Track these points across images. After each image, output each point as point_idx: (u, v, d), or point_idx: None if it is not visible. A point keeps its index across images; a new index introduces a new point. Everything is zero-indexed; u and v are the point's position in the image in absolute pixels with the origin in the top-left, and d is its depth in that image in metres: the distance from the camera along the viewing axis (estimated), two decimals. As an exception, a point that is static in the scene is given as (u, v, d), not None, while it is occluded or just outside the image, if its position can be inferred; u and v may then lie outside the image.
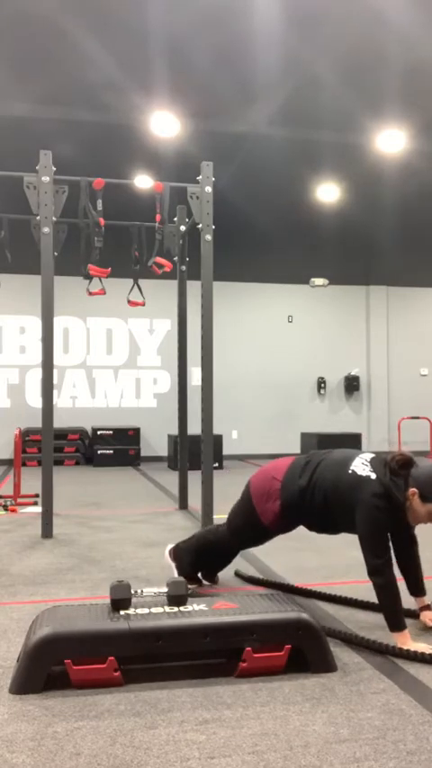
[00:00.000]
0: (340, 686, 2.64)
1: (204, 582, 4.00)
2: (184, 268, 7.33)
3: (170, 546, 4.03)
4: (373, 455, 3.29)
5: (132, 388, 13.16)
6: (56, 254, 6.27)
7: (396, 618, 3.00)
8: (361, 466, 3.21)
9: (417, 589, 3.36)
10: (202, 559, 3.89)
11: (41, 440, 5.72)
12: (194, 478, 6.65)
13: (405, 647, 2.92)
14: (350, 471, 3.21)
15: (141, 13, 4.99)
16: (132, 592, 2.93)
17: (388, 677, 2.72)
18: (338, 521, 3.28)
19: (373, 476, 3.13)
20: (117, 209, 6.95)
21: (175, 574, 3.85)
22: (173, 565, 3.91)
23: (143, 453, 12.57)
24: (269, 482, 3.47)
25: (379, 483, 3.09)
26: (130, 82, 5.94)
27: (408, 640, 2.96)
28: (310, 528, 3.49)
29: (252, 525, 3.54)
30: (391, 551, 3.11)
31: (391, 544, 3.17)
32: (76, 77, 5.90)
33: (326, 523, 3.38)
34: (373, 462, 3.21)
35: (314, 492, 3.29)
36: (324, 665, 2.76)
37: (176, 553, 3.94)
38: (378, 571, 3.02)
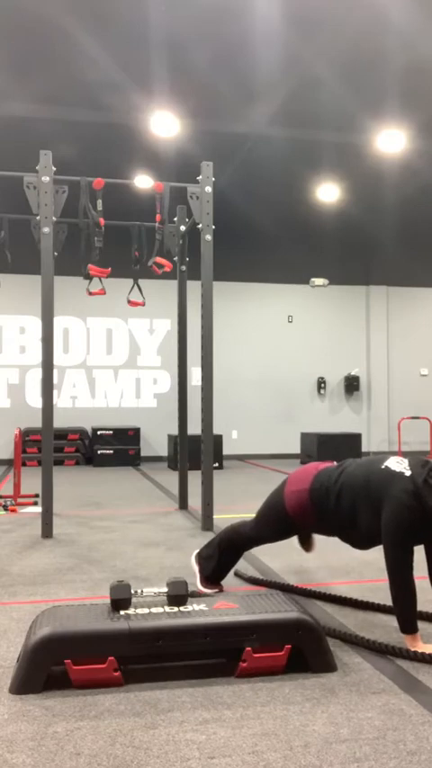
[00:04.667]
0: (340, 686, 2.64)
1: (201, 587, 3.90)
2: (184, 268, 7.33)
3: (196, 551, 3.96)
4: (410, 458, 3.19)
5: (132, 388, 13.16)
6: (56, 254, 6.27)
7: (410, 620, 2.95)
8: (396, 463, 3.11)
9: None
10: (226, 561, 3.79)
11: (41, 440, 5.73)
12: (194, 478, 6.65)
13: (414, 650, 2.90)
14: (383, 467, 3.12)
15: (141, 13, 4.98)
16: (132, 592, 2.93)
17: (388, 677, 2.72)
18: (363, 523, 3.12)
19: (408, 473, 3.02)
20: (117, 210, 6.95)
21: (198, 581, 3.79)
22: (197, 570, 3.85)
23: (143, 453, 12.57)
24: (307, 472, 3.43)
25: (412, 481, 2.98)
26: (130, 82, 5.92)
27: (419, 643, 2.93)
28: (332, 531, 3.36)
29: (276, 511, 3.45)
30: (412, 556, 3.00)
31: (424, 549, 3.13)
32: (76, 77, 5.88)
33: (349, 527, 3.22)
34: (411, 461, 3.11)
35: (341, 492, 3.19)
36: (324, 665, 2.76)
37: (200, 558, 3.87)
38: (397, 571, 2.95)
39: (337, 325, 14.00)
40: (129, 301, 7.01)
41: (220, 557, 3.77)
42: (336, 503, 3.22)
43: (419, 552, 3.09)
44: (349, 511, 3.18)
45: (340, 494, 3.20)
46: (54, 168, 5.81)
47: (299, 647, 2.73)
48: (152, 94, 6.22)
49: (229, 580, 4.09)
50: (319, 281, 12.92)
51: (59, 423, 10.59)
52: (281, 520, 3.45)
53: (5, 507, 6.95)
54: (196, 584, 3.79)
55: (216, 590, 3.80)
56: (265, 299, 13.68)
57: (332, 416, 13.88)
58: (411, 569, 2.96)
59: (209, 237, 5.97)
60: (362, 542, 3.27)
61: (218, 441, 10.82)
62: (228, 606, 2.87)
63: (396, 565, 2.97)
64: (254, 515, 3.71)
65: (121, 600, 2.80)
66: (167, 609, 2.82)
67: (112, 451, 12.12)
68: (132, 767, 2.06)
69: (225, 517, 6.09)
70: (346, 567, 4.52)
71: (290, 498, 3.38)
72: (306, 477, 3.38)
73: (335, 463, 3.49)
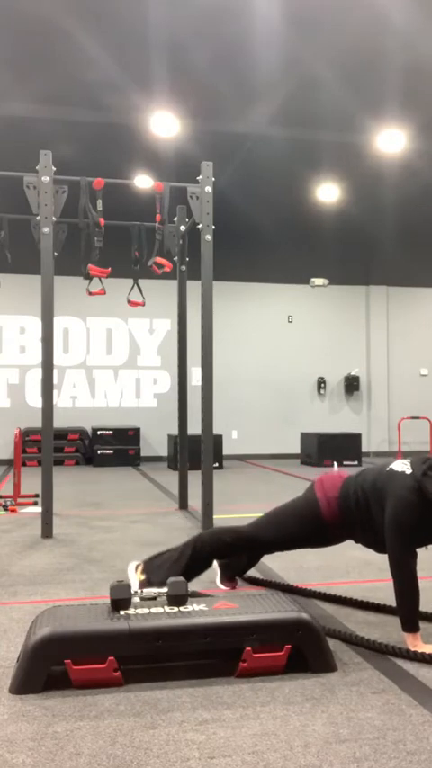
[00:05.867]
0: (340, 686, 2.64)
1: (222, 586, 3.91)
2: (184, 268, 7.33)
3: (135, 563, 3.78)
4: (412, 457, 3.25)
5: (132, 388, 13.16)
6: (56, 254, 6.27)
7: (412, 618, 2.96)
8: (400, 465, 3.18)
9: None
10: (198, 565, 3.65)
11: (41, 440, 5.73)
12: (194, 478, 6.65)
13: (415, 649, 2.90)
14: (388, 469, 3.20)
15: (141, 13, 4.98)
16: (132, 592, 2.93)
17: (388, 677, 2.72)
18: (377, 527, 3.15)
19: (409, 471, 3.08)
20: (117, 210, 6.95)
21: (217, 579, 3.81)
22: (138, 581, 3.65)
23: (143, 453, 12.57)
24: (335, 480, 3.45)
25: (412, 478, 3.03)
26: (130, 82, 5.92)
27: (419, 642, 2.93)
28: (355, 537, 3.40)
29: (307, 513, 3.44)
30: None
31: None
32: (76, 77, 5.88)
33: (370, 531, 3.24)
34: (412, 460, 3.18)
35: (358, 500, 3.25)
36: (324, 665, 2.76)
37: (151, 566, 3.68)
38: (400, 568, 2.96)
39: (337, 325, 14.00)
40: (129, 301, 7.00)
41: (191, 561, 3.58)
42: (356, 509, 3.27)
43: (424, 551, 3.10)
44: (365, 516, 3.23)
45: (358, 501, 3.26)
46: (54, 168, 5.80)
47: (299, 647, 2.73)
48: (152, 94, 6.22)
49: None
50: (319, 281, 12.92)
51: (59, 423, 10.58)
52: (312, 522, 3.43)
53: (5, 507, 6.95)
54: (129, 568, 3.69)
55: (230, 587, 3.82)
56: (265, 299, 13.68)
57: (332, 416, 13.88)
58: (414, 566, 2.97)
59: (209, 237, 5.97)
60: (381, 545, 3.25)
61: (218, 441, 10.81)
62: (228, 606, 2.87)
63: (398, 561, 2.98)
64: (265, 519, 3.65)
65: (121, 600, 2.80)
66: (167, 609, 2.82)
67: (112, 451, 12.11)
68: (132, 767, 2.06)
69: (225, 517, 6.10)
70: (346, 567, 4.52)
71: (323, 503, 3.39)
72: (335, 484, 3.43)
73: (336, 467, 3.52)
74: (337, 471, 3.62)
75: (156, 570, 3.58)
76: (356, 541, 3.45)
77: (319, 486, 3.47)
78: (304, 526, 3.49)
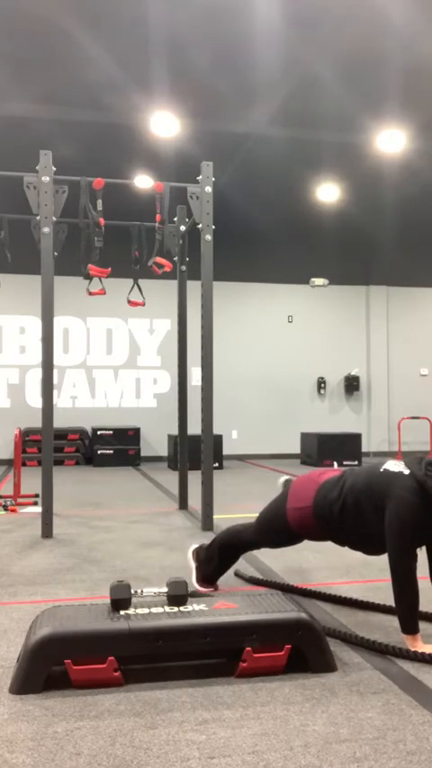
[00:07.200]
0: (340, 686, 2.64)
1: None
2: (184, 268, 7.33)
3: (194, 546, 3.98)
4: (405, 458, 3.22)
5: (132, 388, 13.16)
6: (56, 254, 6.27)
7: (411, 620, 2.94)
8: (394, 465, 3.14)
9: None
10: (225, 563, 3.80)
11: (41, 440, 5.73)
12: (194, 478, 6.65)
13: (415, 650, 2.89)
14: (382, 470, 3.14)
15: (141, 13, 4.98)
16: (132, 592, 2.93)
17: (388, 677, 2.72)
18: (371, 528, 3.11)
19: (407, 471, 3.04)
20: (117, 210, 6.94)
21: (194, 578, 3.82)
22: (194, 566, 3.88)
23: (143, 453, 12.57)
24: (308, 487, 3.38)
25: (412, 478, 2.99)
26: (130, 82, 5.92)
27: (419, 643, 2.92)
28: (340, 542, 3.38)
29: (279, 523, 3.45)
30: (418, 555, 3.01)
31: (426, 550, 3.15)
32: (76, 77, 5.88)
33: (359, 537, 3.22)
34: (406, 460, 3.14)
35: (344, 506, 3.17)
36: (324, 665, 2.76)
37: (197, 557, 3.89)
38: (400, 570, 2.94)
39: (337, 325, 14.00)
40: (129, 301, 7.00)
41: (220, 561, 3.79)
42: (340, 517, 3.20)
43: (422, 553, 3.09)
44: (356, 522, 3.17)
45: (344, 508, 3.19)
46: (54, 168, 5.81)
47: (299, 647, 2.73)
48: (152, 94, 6.21)
49: (230, 580, 4.10)
50: (319, 281, 12.92)
51: (59, 423, 10.58)
52: (283, 532, 3.46)
53: (5, 507, 6.95)
54: (192, 582, 3.79)
55: (212, 589, 3.82)
56: (265, 299, 13.68)
57: (332, 416, 13.87)
58: (414, 568, 2.96)
59: (209, 237, 5.97)
60: (375, 550, 3.25)
61: (218, 441, 10.81)
62: (228, 606, 2.87)
63: (399, 564, 2.96)
64: (255, 520, 3.70)
65: (121, 600, 2.80)
66: (167, 609, 2.82)
67: (112, 451, 12.12)
68: (132, 767, 2.07)
69: (225, 517, 6.10)
70: (346, 567, 4.52)
71: (292, 516, 3.37)
72: (308, 492, 3.35)
73: (336, 467, 3.49)
74: (315, 474, 3.50)
75: (202, 565, 3.88)
76: (341, 544, 3.39)
77: (291, 497, 3.42)
78: (279, 533, 3.51)
